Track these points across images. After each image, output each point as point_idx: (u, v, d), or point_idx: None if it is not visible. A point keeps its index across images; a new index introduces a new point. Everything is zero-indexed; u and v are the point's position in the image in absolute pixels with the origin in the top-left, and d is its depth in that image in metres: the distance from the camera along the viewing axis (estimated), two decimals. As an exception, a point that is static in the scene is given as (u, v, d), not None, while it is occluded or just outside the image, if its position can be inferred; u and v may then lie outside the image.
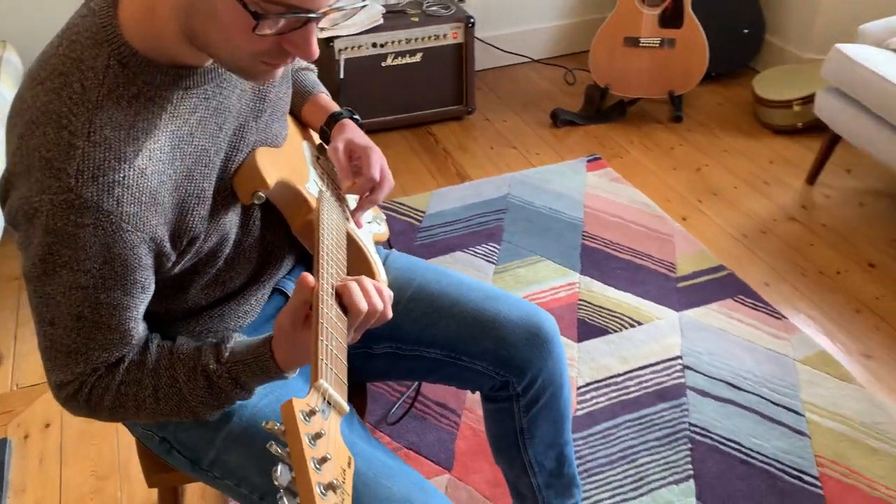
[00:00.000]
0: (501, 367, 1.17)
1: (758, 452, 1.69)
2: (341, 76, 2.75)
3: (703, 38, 2.81)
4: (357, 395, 1.27)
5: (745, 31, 3.12)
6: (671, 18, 2.81)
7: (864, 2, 2.88)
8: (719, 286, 2.16)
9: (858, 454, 1.69)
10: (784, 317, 2.05)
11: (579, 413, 1.80)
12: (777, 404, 1.81)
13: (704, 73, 2.89)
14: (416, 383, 1.85)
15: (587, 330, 2.02)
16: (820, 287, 2.17)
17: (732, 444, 1.71)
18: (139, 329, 0.90)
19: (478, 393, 1.27)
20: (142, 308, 0.89)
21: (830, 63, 2.36)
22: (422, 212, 2.50)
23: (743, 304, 2.10)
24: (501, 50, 3.40)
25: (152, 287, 0.89)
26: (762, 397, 1.82)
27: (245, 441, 1.01)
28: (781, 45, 3.20)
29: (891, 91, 2.15)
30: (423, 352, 1.18)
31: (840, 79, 2.34)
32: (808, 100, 2.75)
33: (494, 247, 2.33)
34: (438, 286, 1.19)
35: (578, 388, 1.86)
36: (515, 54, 3.44)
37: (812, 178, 2.61)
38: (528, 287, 2.16)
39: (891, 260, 2.26)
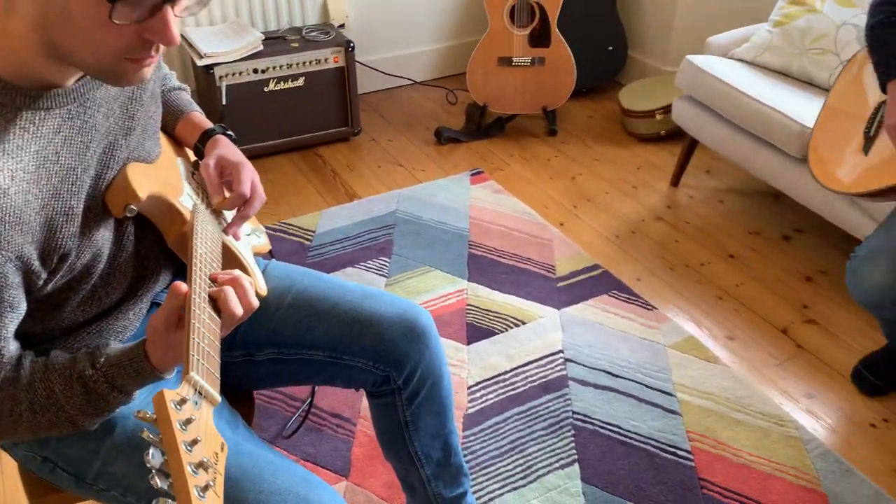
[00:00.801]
0: (381, 363, 1.23)
1: (635, 433, 1.82)
2: (224, 102, 2.77)
3: (571, 56, 2.99)
4: (244, 405, 1.30)
5: (610, 48, 3.34)
6: (540, 38, 2.98)
7: (712, 17, 3.15)
8: (595, 283, 2.30)
9: (724, 427, 1.84)
10: (655, 308, 2.21)
11: (470, 411, 1.88)
12: (651, 388, 1.94)
13: (574, 89, 3.07)
14: (310, 396, 1.89)
15: (476, 332, 2.12)
16: (686, 279, 2.35)
17: (612, 428, 1.83)
18: (10, 348, 0.91)
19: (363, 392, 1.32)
20: (11, 327, 0.90)
21: (683, 74, 2.58)
22: (312, 231, 2.54)
23: (617, 298, 2.25)
24: (384, 73, 3.50)
25: (23, 306, 0.91)
26: (637, 382, 1.96)
27: (128, 450, 1.03)
28: (643, 60, 3.44)
29: (735, 96, 2.37)
30: (306, 355, 1.23)
31: (692, 87, 2.55)
32: (669, 109, 2.97)
33: (385, 260, 2.40)
34: (317, 290, 1.25)
35: (469, 388, 1.94)
36: (398, 77, 3.55)
37: (675, 181, 2.81)
38: (419, 296, 2.24)
39: (748, 251, 2.47)
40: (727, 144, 2.47)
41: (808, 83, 2.42)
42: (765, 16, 2.71)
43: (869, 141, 1.84)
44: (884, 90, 1.73)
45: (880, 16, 1.71)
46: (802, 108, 2.23)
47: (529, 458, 1.76)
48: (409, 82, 3.60)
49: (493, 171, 2.92)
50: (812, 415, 1.88)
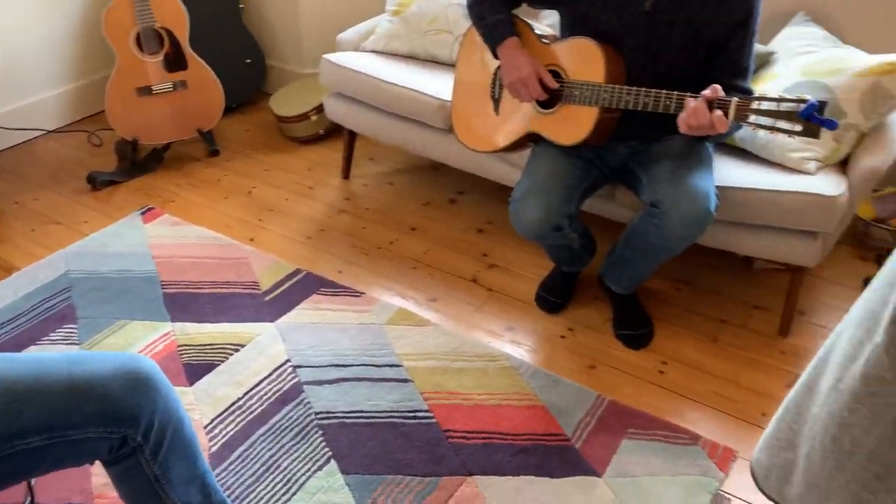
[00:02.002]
0: (113, 425, 1.15)
1: (377, 411, 1.91)
2: None
3: (212, 74, 2.96)
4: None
5: (248, 60, 3.36)
6: (175, 62, 2.90)
7: (336, 15, 3.32)
8: (301, 287, 2.35)
9: (450, 378, 2.01)
10: (362, 293, 2.32)
11: (214, 449, 1.82)
12: (379, 366, 2.05)
13: (224, 106, 3.05)
14: (28, 496, 1.68)
15: (196, 371, 2.04)
16: (381, 259, 2.50)
17: (355, 415, 1.91)
18: None
19: (98, 464, 1.23)
20: None
21: (324, 73, 2.70)
22: (-29, 320, 2.22)
23: (325, 294, 2.32)
24: (7, 129, 3.13)
25: None
26: (366, 365, 2.05)
27: None
28: (283, 67, 3.53)
29: (377, 85, 2.56)
30: (21, 445, 1.11)
31: (336, 84, 2.69)
32: (321, 108, 3.10)
33: (71, 327, 2.19)
34: (13, 373, 1.12)
35: (206, 427, 1.88)
36: (27, 129, 3.20)
37: (346, 174, 2.95)
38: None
39: (425, 220, 2.69)
40: (382, 130, 2.66)
41: (435, 62, 2.70)
42: (382, 7, 2.94)
43: (496, 102, 2.12)
44: (496, 56, 2.00)
45: (476, -6, 1.98)
46: (437, 85, 2.49)
47: (286, 471, 1.77)
48: (42, 132, 3.27)
49: (164, 204, 2.80)
50: (515, 344, 2.14)
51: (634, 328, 2.14)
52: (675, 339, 2.15)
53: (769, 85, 2.08)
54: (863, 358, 0.83)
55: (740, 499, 1.68)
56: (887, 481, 0.81)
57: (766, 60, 2.19)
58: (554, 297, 2.28)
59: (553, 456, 1.79)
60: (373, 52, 2.76)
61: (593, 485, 1.72)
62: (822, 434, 0.89)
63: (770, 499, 1.02)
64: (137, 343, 2.13)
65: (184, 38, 2.88)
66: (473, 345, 2.12)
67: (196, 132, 3.04)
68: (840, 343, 0.91)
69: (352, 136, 2.87)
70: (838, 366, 0.89)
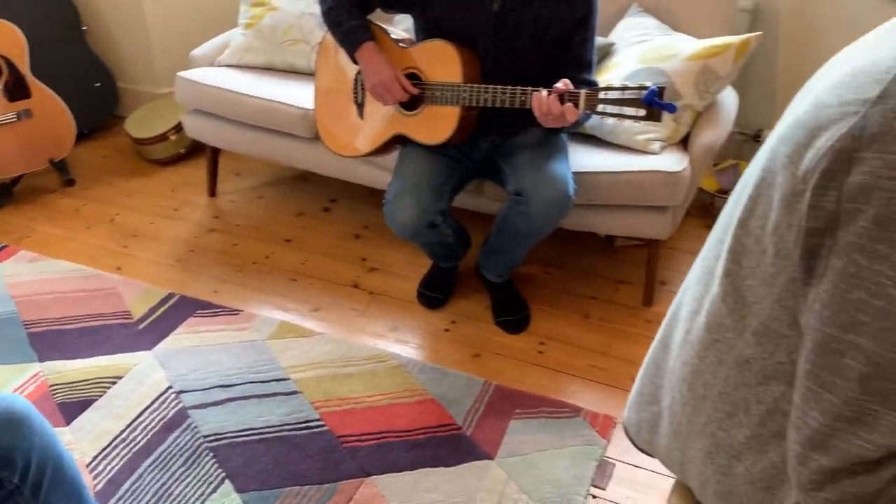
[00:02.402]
0: (-15, 471, 1.10)
1: (268, 427, 1.90)
2: None
3: (59, 101, 2.82)
4: None
5: (97, 84, 3.22)
6: (16, 91, 2.74)
7: (186, 32, 3.25)
8: (176, 311, 2.29)
9: (340, 384, 2.02)
10: (240, 310, 2.29)
11: (100, 487, 1.75)
12: (266, 381, 2.04)
13: (77, 133, 2.91)
14: None
15: (72, 409, 1.95)
16: (258, 273, 2.47)
17: (246, 433, 1.88)
18: None
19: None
20: None
21: (180, 91, 2.64)
22: None
23: (203, 316, 2.27)
24: None
25: None
26: (252, 382, 2.03)
27: None
28: (136, 88, 3.41)
29: (237, 99, 2.53)
30: None
31: (194, 102, 2.64)
32: (179, 127, 3.02)
33: (-75, 381, 2.03)
34: None
35: (89, 465, 1.80)
36: None
37: (212, 191, 2.90)
38: (-14, 401, 1.96)
39: (300, 231, 2.69)
40: (246, 144, 2.63)
41: (294, 72, 2.70)
42: (234, 21, 2.91)
43: (360, 107, 2.16)
44: (355, 61, 2.04)
45: (328, 2, 2.00)
46: (299, 94, 2.49)
47: (179, 498, 1.72)
48: None
49: (20, 240, 2.64)
50: (402, 342, 2.18)
51: (512, 314, 2.23)
52: (550, 319, 2.26)
53: (612, 74, 2.23)
54: (704, 309, 0.93)
55: (623, 461, 1.79)
56: (736, 417, 0.90)
57: (607, 52, 2.33)
58: (435, 292, 2.33)
59: (447, 445, 1.84)
60: (228, 66, 2.72)
61: (486, 467, 1.78)
62: (678, 383, 0.98)
63: (643, 452, 1.11)
64: (4, 388, 2.01)
65: (23, 64, 2.73)
66: (360, 349, 2.14)
67: (48, 163, 2.88)
68: (686, 299, 1.00)
69: (215, 152, 2.81)
70: (686, 320, 0.98)
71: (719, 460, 0.93)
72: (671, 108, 1.70)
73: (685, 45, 2.17)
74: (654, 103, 1.70)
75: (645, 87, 1.70)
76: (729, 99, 2.32)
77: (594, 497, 1.71)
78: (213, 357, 2.12)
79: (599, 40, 2.28)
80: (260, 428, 1.89)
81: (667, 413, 1.02)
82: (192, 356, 2.12)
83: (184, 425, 1.90)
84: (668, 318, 1.05)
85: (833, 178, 0.73)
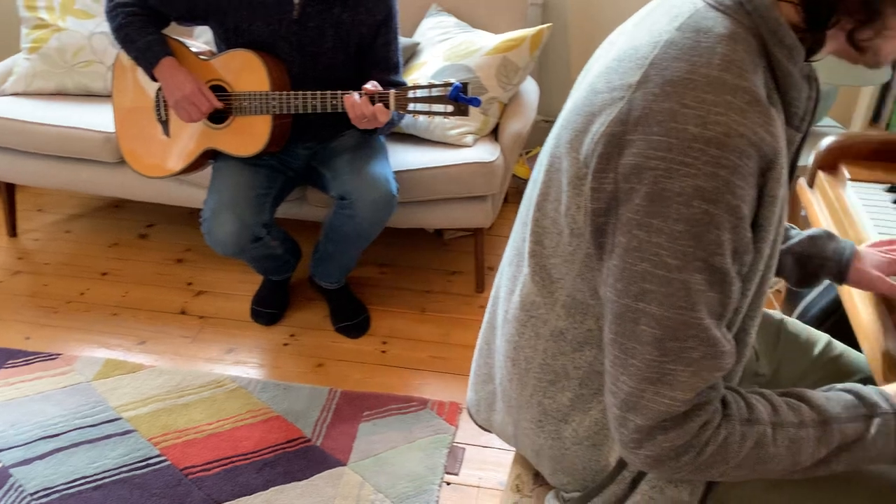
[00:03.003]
0: None
1: (103, 472, 1.78)
2: None
3: None
4: None
5: None
6: None
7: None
8: (-17, 365, 2.09)
9: (178, 416, 1.93)
10: (58, 354, 2.13)
11: None
12: (96, 424, 1.90)
13: None
14: None
15: None
16: (75, 312, 2.30)
17: (78, 482, 1.75)
18: None
19: None
20: None
21: (-40, 124, 2.40)
22: None
23: (15, 366, 2.08)
24: None
25: None
26: (80, 428, 1.89)
27: None
28: None
29: (29, 129, 2.33)
30: None
31: (-22, 135, 2.41)
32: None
33: None
34: None
35: None
36: None
37: (12, 231, 2.66)
38: None
39: (117, 262, 2.53)
40: (45, 177, 2.44)
41: (90, 95, 2.53)
42: (17, 46, 2.69)
43: (165, 125, 2.07)
44: (154, 79, 1.95)
45: (118, 19, 1.90)
46: (98, 118, 2.34)
47: (9, 565, 1.58)
48: None
49: None
50: (240, 364, 2.12)
51: (351, 318, 2.23)
52: (390, 318, 2.28)
53: (420, 73, 2.28)
54: (518, 289, 0.98)
55: (472, 444, 1.85)
56: (558, 384, 0.96)
57: (413, 52, 2.39)
58: (269, 308, 2.28)
59: (298, 460, 1.81)
60: (14, 94, 2.51)
61: (340, 474, 1.77)
62: (504, 360, 1.03)
63: (485, 430, 1.15)
64: None
65: None
66: (196, 376, 2.05)
67: None
68: (503, 281, 1.05)
69: (10, 188, 2.58)
70: (504, 300, 1.03)
71: (549, 427, 0.98)
72: (476, 102, 1.77)
73: (484, 41, 2.27)
74: (459, 98, 1.76)
75: (449, 84, 1.75)
76: (530, 89, 2.45)
77: (448, 484, 1.75)
78: (32, 408, 1.95)
79: (404, 41, 2.33)
80: (94, 475, 1.77)
81: (499, 389, 1.06)
82: (9, 410, 1.94)
83: (6, 486, 1.74)
84: (490, 300, 1.10)
85: (609, 162, 0.79)
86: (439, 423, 1.91)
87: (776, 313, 1.21)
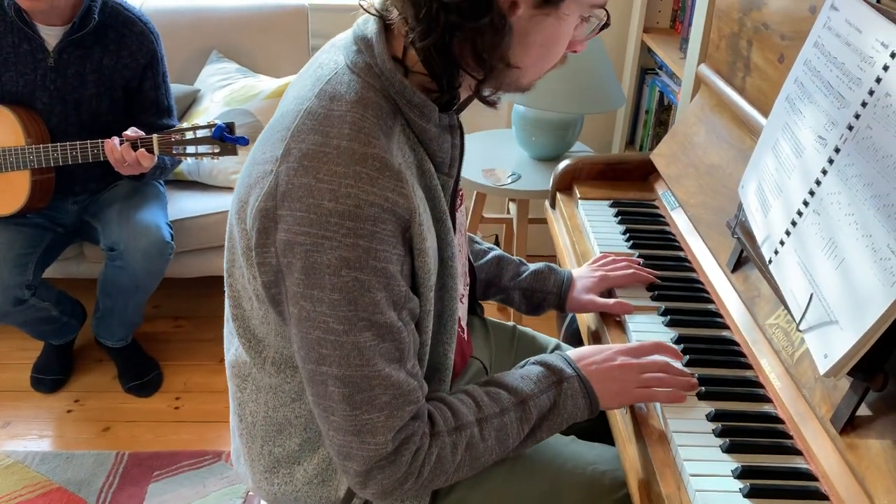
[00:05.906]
0: None
1: None
2: None
3: None
4: None
5: None
6: None
7: None
8: None
9: (-60, 503, 1.75)
10: None
11: None
12: None
13: None
14: None
15: None
16: None
17: None
18: None
19: None
20: None
21: None
22: None
23: None
24: None
25: None
26: None
27: None
28: None
29: None
30: None
31: None
32: None
33: None
34: None
35: None
36: None
37: None
38: None
39: None
40: None
41: None
42: None
43: None
44: None
45: None
46: None
47: None
48: None
49: None
50: (17, 437, 1.96)
51: (141, 377, 2.12)
52: (185, 372, 2.19)
53: (202, 118, 2.25)
54: (232, 348, 0.99)
55: (269, 491, 1.80)
56: (284, 432, 0.94)
57: (193, 98, 2.35)
58: (51, 374, 2.13)
59: (78, 532, 1.69)
60: None
61: (123, 540, 1.67)
62: (233, 416, 1.04)
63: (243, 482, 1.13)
64: None
65: None
66: (-37, 456, 1.88)
67: None
68: (225, 341, 1.05)
69: None
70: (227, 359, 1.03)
71: (283, 471, 0.98)
72: (243, 141, 1.77)
73: (265, 85, 2.28)
74: (225, 138, 1.75)
75: (213, 125, 1.74)
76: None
77: (243, 535, 1.70)
78: None
79: (185, 87, 2.30)
80: None
81: (238, 443, 1.06)
82: None
83: None
84: None
85: (267, 237, 0.80)
86: (233, 473, 1.85)
87: (509, 323, 1.30)
